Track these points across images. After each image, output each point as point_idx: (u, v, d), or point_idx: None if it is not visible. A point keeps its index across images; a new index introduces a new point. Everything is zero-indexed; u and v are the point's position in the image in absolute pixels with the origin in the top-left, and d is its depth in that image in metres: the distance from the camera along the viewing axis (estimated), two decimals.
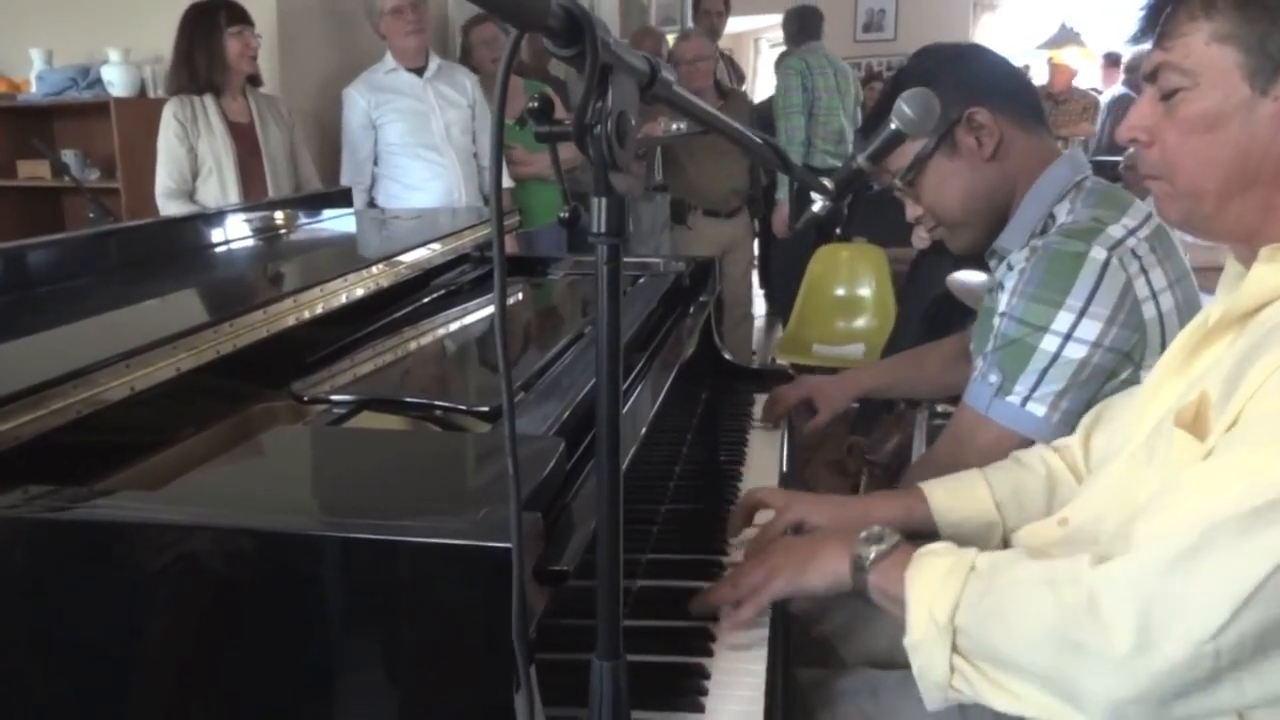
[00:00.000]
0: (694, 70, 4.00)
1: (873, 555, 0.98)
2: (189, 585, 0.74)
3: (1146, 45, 0.95)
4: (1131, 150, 4.23)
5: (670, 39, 4.93)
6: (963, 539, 1.14)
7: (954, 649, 0.89)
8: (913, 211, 1.47)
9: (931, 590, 0.91)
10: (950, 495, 1.21)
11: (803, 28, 4.73)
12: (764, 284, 6.53)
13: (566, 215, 0.63)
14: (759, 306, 6.50)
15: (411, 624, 0.74)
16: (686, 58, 4.02)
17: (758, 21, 8.79)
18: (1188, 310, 1.27)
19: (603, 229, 0.59)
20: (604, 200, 0.59)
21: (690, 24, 5.11)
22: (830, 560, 1.02)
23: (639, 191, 4.38)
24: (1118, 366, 1.26)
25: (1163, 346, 1.25)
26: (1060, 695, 0.84)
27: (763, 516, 1.29)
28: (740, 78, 6.35)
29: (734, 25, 5.52)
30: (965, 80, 1.39)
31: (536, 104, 0.60)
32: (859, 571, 0.99)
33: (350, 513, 0.76)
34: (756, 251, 5.64)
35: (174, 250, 1.68)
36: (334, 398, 1.10)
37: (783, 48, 5.29)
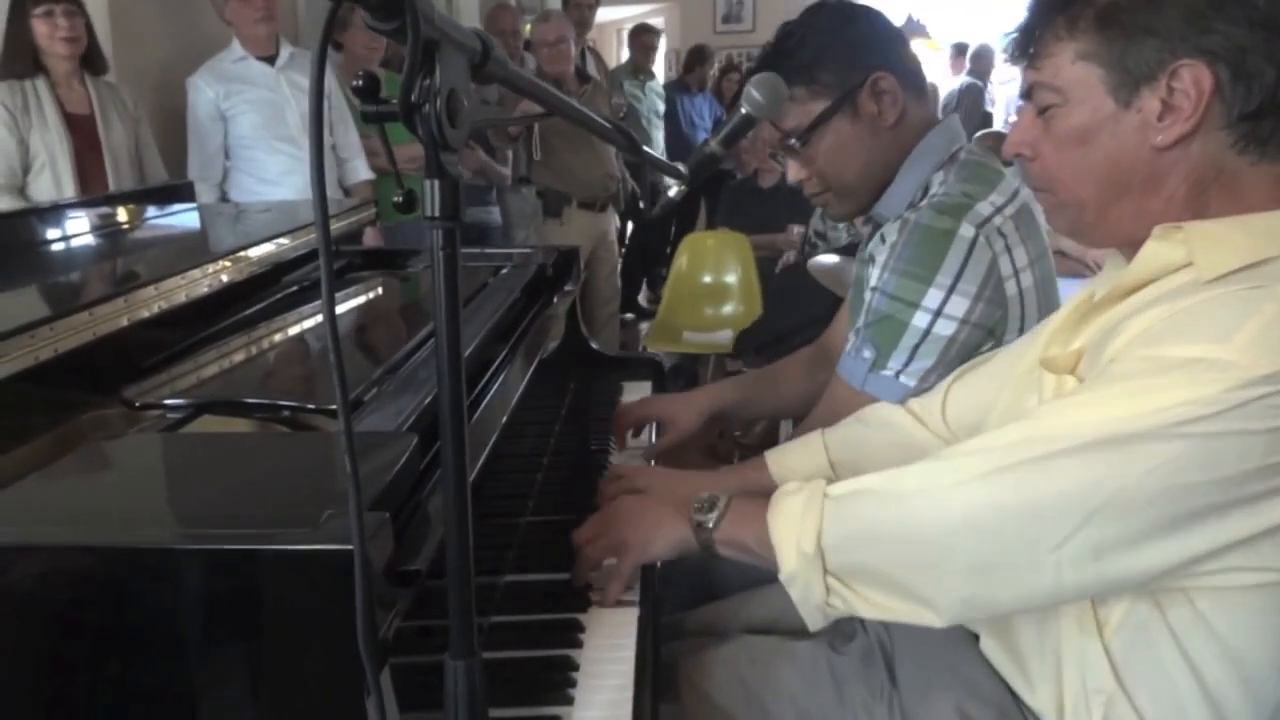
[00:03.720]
0: (556, 53, 3.90)
1: (713, 520, 1.06)
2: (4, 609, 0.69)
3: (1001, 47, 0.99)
4: (985, 133, 4.40)
5: (529, 28, 4.85)
6: None
7: (825, 571, 0.96)
8: (796, 174, 1.41)
9: (794, 525, 0.98)
10: (788, 460, 1.30)
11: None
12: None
13: (401, 200, 0.60)
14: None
15: (261, 635, 0.70)
16: (549, 40, 3.90)
17: (620, 12, 8.80)
18: (1045, 287, 1.32)
19: (436, 212, 0.57)
20: (436, 182, 0.57)
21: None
22: (672, 529, 1.10)
23: (506, 182, 4.30)
24: (981, 341, 1.29)
25: (1022, 321, 1.29)
26: (915, 600, 0.91)
27: None
28: (605, 70, 6.34)
29: (597, 15, 5.54)
30: (869, 41, 1.36)
31: (361, 82, 0.57)
32: (701, 532, 1.07)
33: (182, 523, 0.72)
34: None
35: None
36: (169, 402, 1.03)
37: None
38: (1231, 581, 0.82)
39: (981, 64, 7.23)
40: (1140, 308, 0.86)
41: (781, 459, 1.31)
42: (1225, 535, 0.79)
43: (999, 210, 1.28)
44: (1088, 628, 0.90)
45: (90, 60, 2.78)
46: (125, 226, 1.86)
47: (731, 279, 4.21)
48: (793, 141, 1.37)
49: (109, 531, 0.70)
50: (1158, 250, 0.88)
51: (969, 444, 0.92)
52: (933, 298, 1.26)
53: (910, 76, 1.37)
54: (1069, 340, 0.98)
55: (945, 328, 1.26)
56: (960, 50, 7.55)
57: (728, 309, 4.21)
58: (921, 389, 1.29)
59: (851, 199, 1.42)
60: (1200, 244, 0.85)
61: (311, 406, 1.02)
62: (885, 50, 1.36)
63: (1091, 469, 0.80)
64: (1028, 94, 0.95)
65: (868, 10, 1.42)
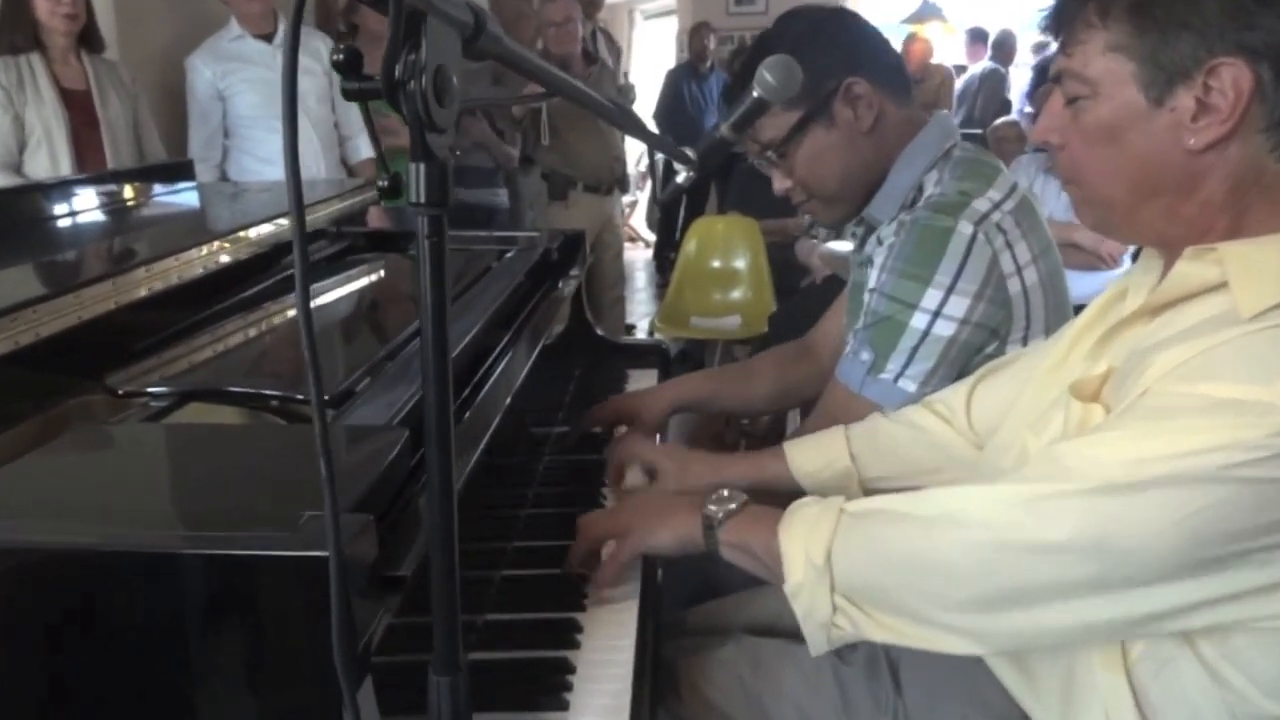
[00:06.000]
0: (563, 33, 3.86)
1: (722, 514, 1.02)
2: None
3: (1030, 26, 0.94)
4: (1000, 123, 4.33)
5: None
6: (821, 488, 1.18)
7: (833, 589, 0.91)
8: (781, 184, 1.41)
9: (804, 535, 0.93)
10: (807, 449, 1.26)
11: None
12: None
13: (386, 184, 0.56)
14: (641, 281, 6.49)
15: (237, 643, 0.67)
16: (556, 20, 3.86)
17: None
18: (1052, 283, 1.28)
19: (422, 198, 0.53)
20: (422, 166, 0.53)
21: None
22: (681, 521, 1.06)
23: (512, 163, 4.24)
24: (984, 342, 1.26)
25: (1028, 319, 1.26)
26: (925, 624, 0.87)
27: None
28: (616, 52, 6.24)
29: None
30: (839, 47, 1.34)
31: (341, 56, 0.53)
32: (709, 530, 1.03)
33: (154, 523, 0.68)
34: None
35: None
36: (154, 390, 1.00)
37: (657, 19, 5.38)
38: (1270, 615, 0.78)
39: (1003, 51, 7.11)
40: (1173, 335, 0.81)
41: (800, 449, 1.27)
42: (1264, 578, 0.75)
43: (997, 206, 1.25)
44: (1111, 658, 0.86)
45: (88, 38, 2.75)
46: (124, 204, 1.82)
47: (741, 264, 4.17)
48: (770, 154, 1.36)
49: (73, 530, 0.66)
50: (1190, 271, 0.83)
51: (995, 475, 0.89)
52: (931, 298, 1.23)
53: (887, 78, 1.35)
54: (1095, 357, 0.93)
55: (945, 328, 1.23)
56: (976, 36, 7.44)
57: (736, 294, 4.17)
58: (923, 392, 1.25)
59: (837, 205, 1.41)
60: (1236, 269, 0.79)
61: (300, 396, 0.98)
62: (857, 55, 1.34)
63: (1122, 511, 0.76)
64: (1057, 78, 0.90)
65: (839, 14, 1.40)
